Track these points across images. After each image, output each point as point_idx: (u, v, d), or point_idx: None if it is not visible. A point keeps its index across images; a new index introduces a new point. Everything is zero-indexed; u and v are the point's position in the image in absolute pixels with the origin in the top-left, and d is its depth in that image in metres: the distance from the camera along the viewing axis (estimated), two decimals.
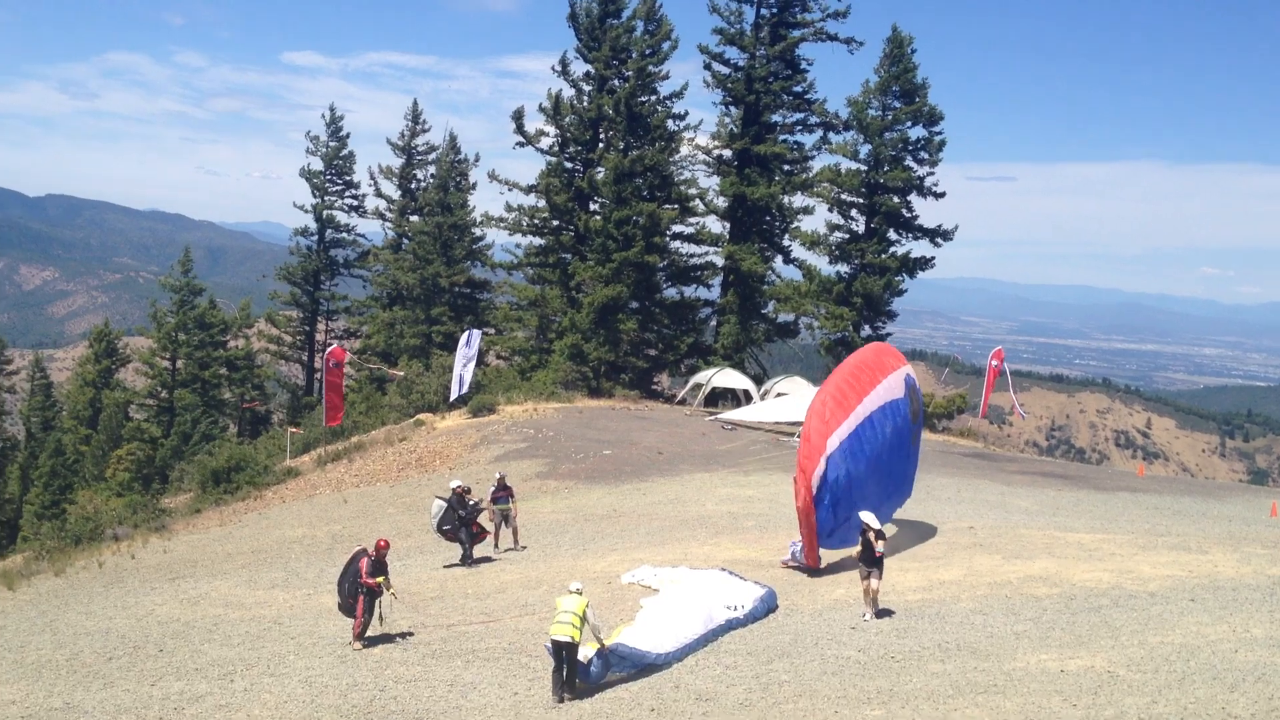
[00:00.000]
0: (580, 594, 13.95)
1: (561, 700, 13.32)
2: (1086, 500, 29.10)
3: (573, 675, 13.55)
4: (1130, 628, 14.42)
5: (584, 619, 13.60)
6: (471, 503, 22.17)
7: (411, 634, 16.47)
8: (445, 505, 21.85)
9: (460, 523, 21.86)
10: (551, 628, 13.58)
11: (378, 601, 16.01)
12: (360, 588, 15.76)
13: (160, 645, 16.81)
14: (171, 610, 19.42)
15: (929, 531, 22.34)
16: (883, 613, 15.74)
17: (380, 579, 15.95)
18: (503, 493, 23.42)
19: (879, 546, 15.67)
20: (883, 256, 51.67)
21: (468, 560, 21.91)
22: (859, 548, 16.05)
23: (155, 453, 56.09)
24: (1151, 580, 16.79)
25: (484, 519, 22.81)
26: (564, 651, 13.44)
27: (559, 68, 56.73)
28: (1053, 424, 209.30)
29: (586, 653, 13.85)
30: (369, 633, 16.01)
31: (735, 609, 16.07)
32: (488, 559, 22.52)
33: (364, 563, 15.83)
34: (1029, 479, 32.75)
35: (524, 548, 23.38)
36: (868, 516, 16.12)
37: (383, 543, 16.38)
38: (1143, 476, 40.37)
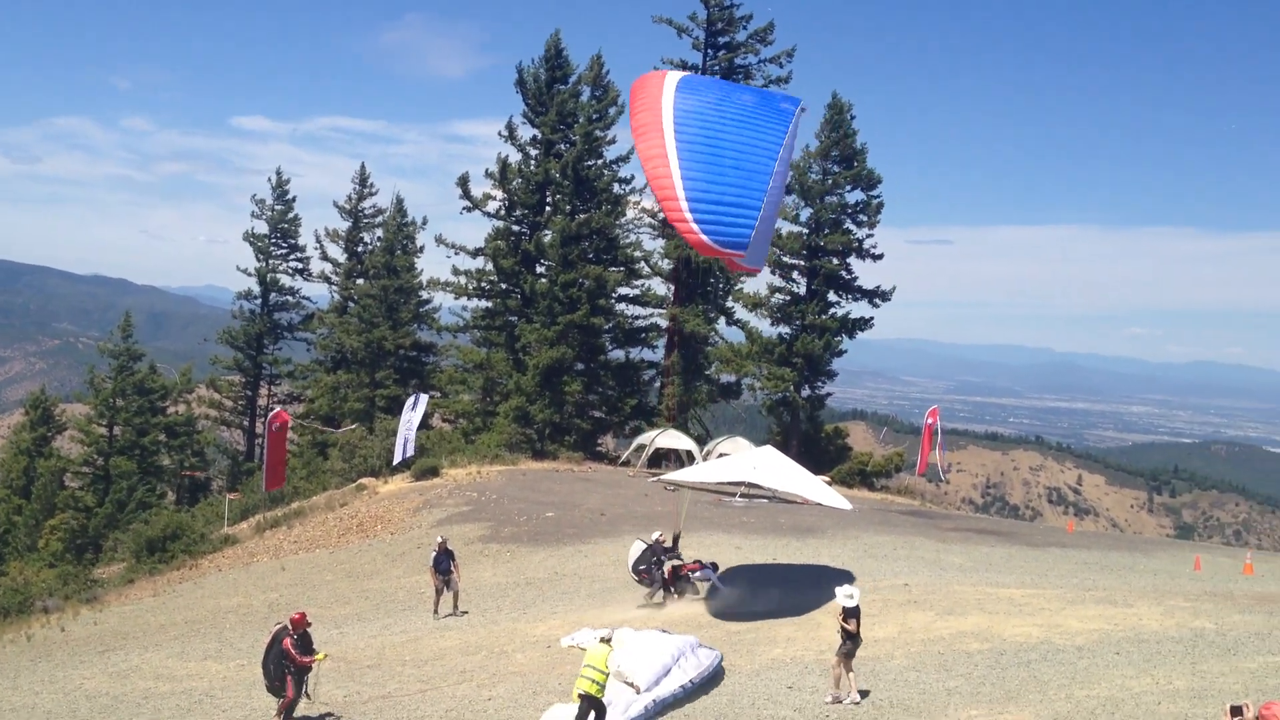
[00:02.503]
0: (608, 643, 13.80)
1: None
2: (1018, 556, 29.52)
3: None
4: (1058, 682, 14.70)
5: (605, 673, 13.48)
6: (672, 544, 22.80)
7: (345, 705, 16.34)
8: (645, 546, 22.51)
9: (656, 565, 22.33)
10: (577, 680, 13.53)
11: (306, 679, 15.43)
12: (288, 667, 15.10)
13: None
14: (100, 684, 19.08)
15: (864, 589, 22.53)
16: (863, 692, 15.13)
17: (318, 655, 15.49)
18: (445, 557, 23.42)
19: (850, 626, 14.95)
20: (823, 318, 52.41)
21: (658, 596, 22.38)
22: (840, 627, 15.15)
23: (89, 522, 55.05)
24: (1079, 634, 17.12)
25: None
26: (586, 705, 13.37)
27: (506, 133, 57.25)
28: (988, 481, 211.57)
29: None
30: (298, 710, 15.49)
31: (701, 669, 15.94)
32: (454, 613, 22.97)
33: (288, 643, 15.09)
34: (963, 536, 33.16)
35: (464, 612, 23.31)
36: (844, 598, 15.20)
37: (298, 616, 15.65)
38: (1073, 532, 41.00)
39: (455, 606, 23.42)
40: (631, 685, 15.03)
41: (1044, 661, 15.74)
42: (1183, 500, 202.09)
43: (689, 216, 17.53)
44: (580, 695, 13.34)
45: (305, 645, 15.31)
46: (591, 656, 13.53)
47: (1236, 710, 6.93)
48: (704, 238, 17.70)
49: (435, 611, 23.26)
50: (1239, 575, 27.51)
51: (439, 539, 24.18)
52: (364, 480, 42.93)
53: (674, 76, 19.47)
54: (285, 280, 69.83)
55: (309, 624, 15.78)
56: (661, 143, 17.97)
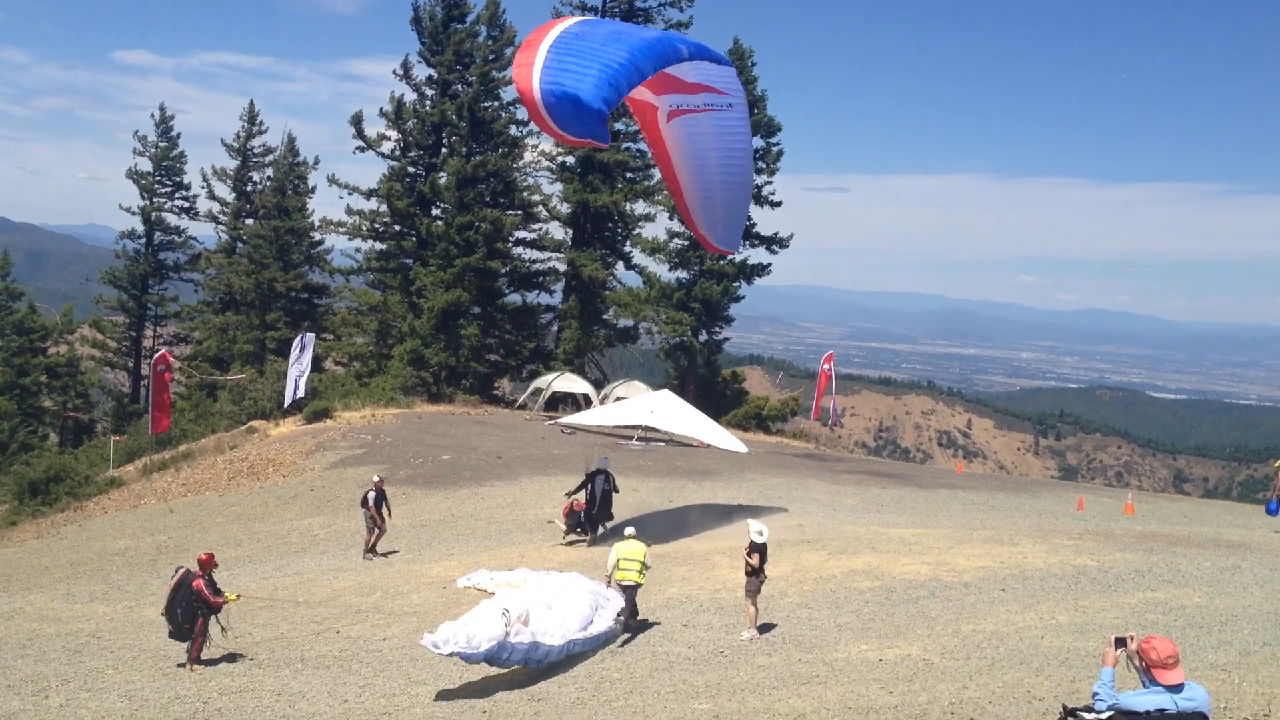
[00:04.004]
0: (636, 538, 15.86)
1: (629, 640, 15.11)
2: (909, 497, 30.24)
3: (633, 611, 15.54)
4: (945, 617, 15.09)
5: (644, 564, 15.44)
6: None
7: (238, 646, 16.05)
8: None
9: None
10: (617, 574, 15.44)
11: (215, 618, 15.08)
12: (201, 608, 14.72)
13: None
14: None
15: None
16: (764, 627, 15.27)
17: (230, 595, 15.24)
18: (381, 497, 23.10)
19: (753, 560, 14.78)
20: (721, 263, 52.64)
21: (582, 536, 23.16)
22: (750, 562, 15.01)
23: None
24: (966, 572, 17.60)
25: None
26: (634, 593, 15.52)
27: (401, 71, 56.11)
28: (881, 425, 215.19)
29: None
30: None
31: (616, 618, 15.82)
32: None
33: (200, 584, 14.70)
34: (856, 478, 33.83)
35: (383, 555, 23.05)
36: (754, 533, 15.03)
37: (206, 557, 15.28)
38: (961, 474, 42.22)
39: (372, 548, 23.05)
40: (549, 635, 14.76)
41: (932, 598, 16.15)
42: (1067, 443, 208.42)
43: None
44: (625, 586, 15.39)
45: (212, 586, 14.99)
46: (630, 551, 15.44)
47: (1120, 641, 7.14)
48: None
49: (373, 550, 22.89)
50: (1120, 515, 28.58)
51: (376, 478, 24.00)
52: (254, 423, 42.08)
53: (573, 18, 18.91)
54: (171, 219, 67.86)
55: (216, 564, 15.44)
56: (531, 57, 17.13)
